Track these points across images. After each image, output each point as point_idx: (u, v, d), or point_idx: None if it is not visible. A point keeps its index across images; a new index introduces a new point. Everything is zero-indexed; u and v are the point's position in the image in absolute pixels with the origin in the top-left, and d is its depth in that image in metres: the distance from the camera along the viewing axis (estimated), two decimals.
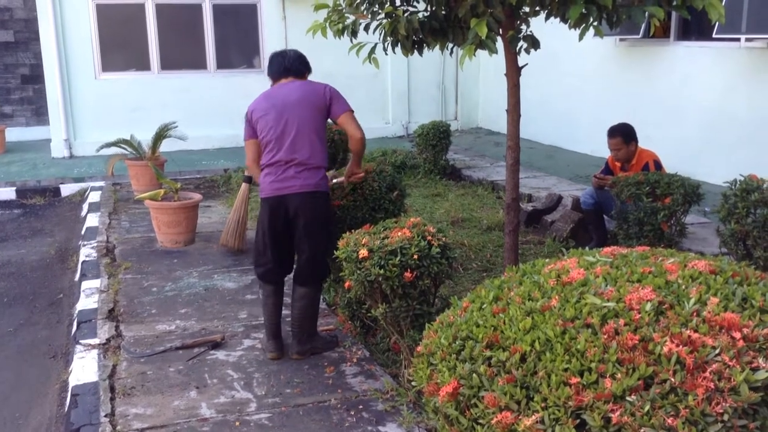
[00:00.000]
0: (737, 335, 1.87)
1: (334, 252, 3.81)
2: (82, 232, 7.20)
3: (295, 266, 4.35)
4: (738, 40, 7.69)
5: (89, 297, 5.30)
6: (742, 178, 4.42)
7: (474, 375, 2.06)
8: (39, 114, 12.88)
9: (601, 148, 7.19)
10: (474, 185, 8.88)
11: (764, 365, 1.79)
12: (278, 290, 4.32)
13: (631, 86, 9.34)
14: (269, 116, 4.15)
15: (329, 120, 4.29)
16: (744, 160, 7.18)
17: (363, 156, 4.57)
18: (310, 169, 4.11)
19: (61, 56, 10.76)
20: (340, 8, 4.65)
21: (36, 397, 4.24)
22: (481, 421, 1.99)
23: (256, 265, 4.38)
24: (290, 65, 4.30)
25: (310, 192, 4.10)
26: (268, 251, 4.25)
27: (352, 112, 4.24)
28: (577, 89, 10.39)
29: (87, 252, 6.42)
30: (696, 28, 8.54)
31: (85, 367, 4.19)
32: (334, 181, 4.77)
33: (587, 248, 2.67)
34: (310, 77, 4.41)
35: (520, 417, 1.90)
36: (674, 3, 4.04)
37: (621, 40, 9.43)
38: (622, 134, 5.83)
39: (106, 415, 3.64)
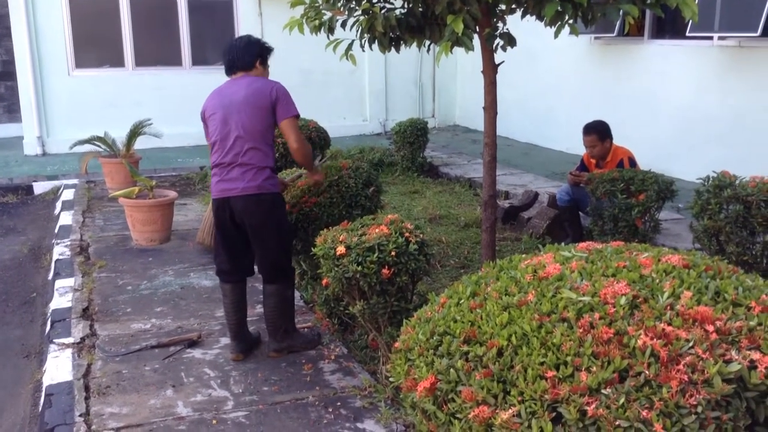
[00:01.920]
0: (710, 328, 1.89)
1: (290, 248, 3.78)
2: (56, 231, 7.11)
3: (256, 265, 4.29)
4: (711, 38, 7.79)
5: (63, 296, 5.24)
6: (715, 175, 4.47)
7: (451, 370, 2.07)
8: (11, 111, 12.68)
9: (577, 146, 7.26)
10: (451, 182, 8.90)
11: (737, 358, 1.82)
12: (235, 289, 4.21)
13: (606, 84, 9.42)
14: (216, 116, 4.05)
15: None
16: (716, 157, 7.27)
17: (311, 164, 4.45)
18: (254, 170, 3.97)
19: (34, 52, 10.61)
20: (316, 4, 4.63)
21: (9, 397, 4.18)
22: (458, 415, 2.00)
23: (215, 263, 4.32)
24: (236, 59, 4.12)
25: (253, 195, 3.97)
26: (221, 251, 4.20)
27: (296, 118, 4.08)
28: (552, 87, 10.46)
29: (60, 250, 6.35)
30: (670, 26, 8.64)
31: (59, 367, 4.14)
32: (296, 174, 4.77)
33: (563, 244, 2.69)
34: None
35: (497, 411, 1.91)
36: (648, 1, 4.08)
37: (596, 38, 9.51)
38: (598, 131, 5.88)
39: (80, 415, 3.60)
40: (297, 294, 5.20)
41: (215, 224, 4.18)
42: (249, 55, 4.13)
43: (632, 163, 5.83)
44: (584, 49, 9.75)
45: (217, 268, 4.28)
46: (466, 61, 12.23)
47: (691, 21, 7.11)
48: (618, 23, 8.46)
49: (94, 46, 11.12)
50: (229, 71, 4.17)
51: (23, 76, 10.63)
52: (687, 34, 7.87)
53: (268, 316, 4.25)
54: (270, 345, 4.27)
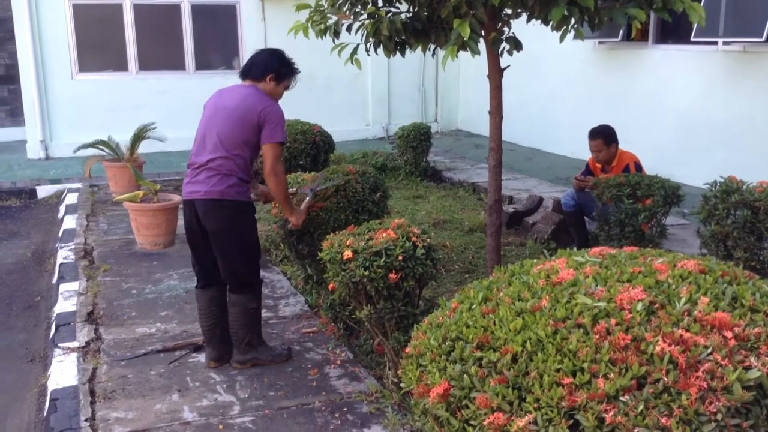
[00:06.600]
0: (729, 334, 1.87)
1: (254, 260, 3.86)
2: (60, 235, 7.09)
3: None
4: (716, 43, 7.78)
5: (67, 300, 5.22)
6: (722, 180, 4.45)
7: (465, 376, 2.04)
8: (14, 114, 12.68)
9: (581, 150, 7.24)
10: (455, 187, 8.89)
11: (756, 364, 1.80)
12: (205, 295, 4.14)
13: (611, 89, 9.41)
14: (204, 115, 4.08)
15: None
16: (721, 162, 7.25)
17: (283, 197, 4.18)
18: (219, 176, 3.91)
19: (37, 56, 10.61)
20: (322, 8, 4.62)
21: (13, 401, 4.16)
22: (472, 422, 1.98)
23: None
24: (251, 67, 4.09)
25: (215, 200, 3.90)
26: (192, 253, 4.18)
27: (278, 145, 3.97)
28: (556, 92, 10.45)
29: (64, 254, 6.33)
30: (674, 31, 8.63)
31: (64, 371, 4.12)
32: (300, 191, 4.67)
33: (572, 249, 2.67)
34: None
35: (512, 418, 1.89)
36: (655, 5, 4.07)
37: (600, 43, 9.50)
38: (603, 136, 5.86)
39: (86, 420, 3.58)
40: (302, 299, 5.19)
41: (185, 225, 4.14)
42: (263, 68, 4.06)
43: (638, 167, 5.81)
44: (588, 53, 9.75)
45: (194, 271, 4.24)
46: (469, 66, 12.23)
47: (696, 26, 7.10)
48: (623, 28, 8.47)
49: (97, 50, 11.12)
50: (242, 76, 4.15)
51: (26, 80, 10.63)
52: (691, 39, 7.86)
53: (231, 325, 4.13)
54: (233, 356, 4.16)
